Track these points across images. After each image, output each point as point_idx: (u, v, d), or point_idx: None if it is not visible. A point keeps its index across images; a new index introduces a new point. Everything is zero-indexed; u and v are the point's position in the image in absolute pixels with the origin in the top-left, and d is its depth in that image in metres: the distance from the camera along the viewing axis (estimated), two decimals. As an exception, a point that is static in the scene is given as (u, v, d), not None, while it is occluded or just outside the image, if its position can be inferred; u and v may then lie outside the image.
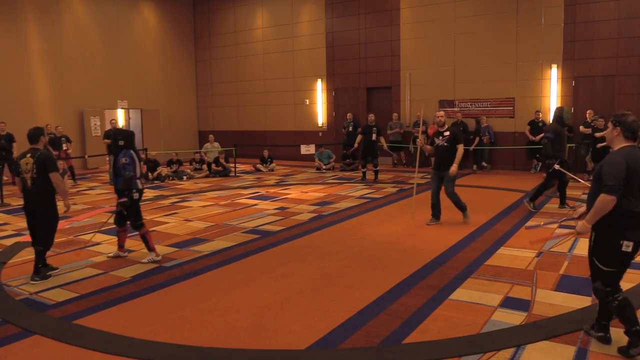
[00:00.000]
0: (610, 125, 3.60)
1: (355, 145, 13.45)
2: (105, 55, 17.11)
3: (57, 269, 5.58)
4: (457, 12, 14.34)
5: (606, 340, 3.63)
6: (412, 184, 11.33)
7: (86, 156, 15.01)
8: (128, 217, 5.98)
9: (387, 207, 9.05)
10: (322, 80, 17.05)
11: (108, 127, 13.60)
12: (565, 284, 4.85)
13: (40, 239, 5.34)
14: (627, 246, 3.40)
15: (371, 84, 16.14)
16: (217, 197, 10.50)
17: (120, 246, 6.15)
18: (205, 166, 14.16)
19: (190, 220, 8.18)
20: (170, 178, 13.40)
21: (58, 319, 4.32)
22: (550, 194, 9.90)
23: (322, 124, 17.22)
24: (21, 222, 8.19)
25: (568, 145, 12.18)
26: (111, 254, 6.16)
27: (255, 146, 17.43)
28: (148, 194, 11.16)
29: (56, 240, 6.94)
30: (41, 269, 5.34)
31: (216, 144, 14.94)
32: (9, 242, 6.95)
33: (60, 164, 12.06)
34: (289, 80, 17.81)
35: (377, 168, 12.54)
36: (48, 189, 5.29)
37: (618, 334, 3.76)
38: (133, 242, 6.79)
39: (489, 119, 14.06)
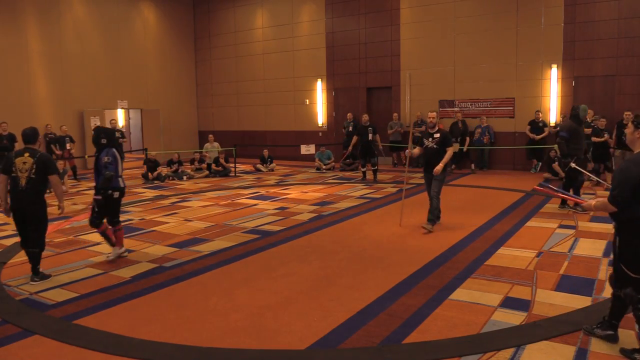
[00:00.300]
0: (631, 126, 3.58)
1: (350, 148, 13.49)
2: (105, 55, 17.10)
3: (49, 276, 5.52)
4: (457, 12, 14.34)
5: (614, 339, 3.61)
6: (412, 184, 11.35)
7: (86, 156, 15.00)
8: (106, 214, 5.95)
9: (387, 207, 9.05)
10: (322, 80, 17.05)
11: (108, 127, 13.60)
12: (565, 284, 4.85)
13: (34, 240, 5.29)
14: None
15: (371, 84, 16.13)
16: (217, 197, 10.50)
17: (112, 244, 6.09)
18: (205, 166, 14.17)
19: (190, 220, 8.18)
20: (170, 178, 13.40)
21: (58, 319, 4.32)
22: (550, 194, 9.91)
23: (322, 124, 17.22)
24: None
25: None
26: (110, 255, 6.10)
27: (255, 146, 17.43)
28: (148, 194, 11.17)
29: (56, 240, 6.96)
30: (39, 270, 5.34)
31: (216, 144, 14.94)
32: (9, 242, 6.95)
33: (60, 164, 12.08)
34: (289, 80, 17.81)
35: (376, 167, 12.57)
36: (40, 188, 5.28)
37: (619, 334, 3.76)
38: (133, 242, 6.79)
39: (489, 119, 14.06)
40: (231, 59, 19.28)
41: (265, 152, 15.35)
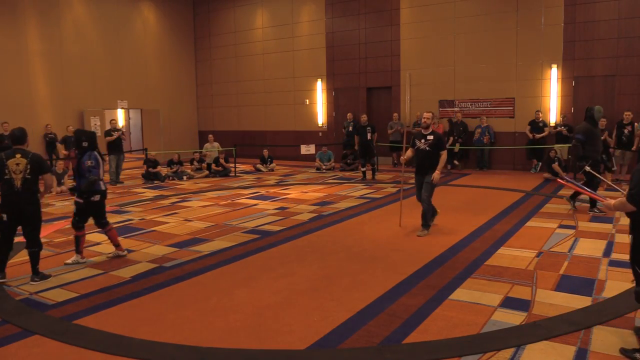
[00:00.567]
0: None
1: (356, 147, 13.54)
2: (105, 56, 17.10)
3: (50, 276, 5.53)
4: (457, 12, 14.34)
5: None
6: (411, 184, 11.35)
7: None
8: (92, 217, 5.95)
9: (387, 207, 9.05)
10: (322, 80, 17.05)
11: (108, 127, 13.60)
12: (565, 284, 4.85)
13: (34, 240, 5.31)
14: None
15: (371, 84, 16.14)
16: (217, 197, 10.50)
17: (117, 245, 6.14)
18: (205, 166, 14.17)
19: (190, 220, 8.18)
20: (170, 178, 13.41)
21: (58, 319, 4.32)
22: (550, 194, 9.92)
23: (322, 124, 17.22)
24: (21, 222, 8.19)
25: (568, 145, 12.27)
26: (111, 255, 6.16)
27: (255, 146, 17.43)
28: (148, 194, 11.17)
29: (56, 240, 6.96)
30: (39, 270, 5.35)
31: (216, 144, 14.94)
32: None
33: (60, 164, 12.08)
34: (289, 80, 17.81)
35: (375, 167, 12.63)
36: (35, 188, 5.31)
37: (619, 334, 3.76)
38: (133, 242, 6.79)
39: (489, 119, 14.06)
40: (231, 59, 19.28)
41: (265, 152, 15.35)
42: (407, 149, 7.40)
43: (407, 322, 4.09)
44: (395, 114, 15.17)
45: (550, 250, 6.04)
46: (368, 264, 5.67)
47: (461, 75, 14.45)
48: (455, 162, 14.04)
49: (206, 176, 13.81)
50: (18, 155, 5.23)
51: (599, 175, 7.51)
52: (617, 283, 4.84)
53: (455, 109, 14.53)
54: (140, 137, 20.32)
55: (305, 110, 17.54)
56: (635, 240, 3.47)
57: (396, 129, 14.89)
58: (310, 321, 4.16)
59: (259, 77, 18.55)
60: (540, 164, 13.18)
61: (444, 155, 6.81)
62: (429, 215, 6.94)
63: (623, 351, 3.47)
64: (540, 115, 13.13)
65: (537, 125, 13.05)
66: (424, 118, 6.92)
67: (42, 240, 6.06)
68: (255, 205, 9.48)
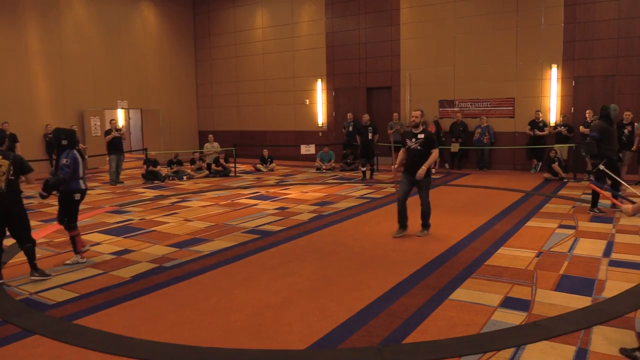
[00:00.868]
0: None
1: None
2: (105, 55, 17.10)
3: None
4: (457, 12, 14.34)
5: None
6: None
7: (86, 156, 15.00)
8: (65, 215, 5.92)
9: (387, 207, 9.04)
10: (322, 80, 17.05)
11: (108, 127, 13.61)
12: (565, 284, 4.85)
13: (26, 236, 5.35)
14: None
15: (371, 84, 16.14)
16: (217, 197, 10.50)
17: (76, 252, 6.01)
18: (205, 166, 14.18)
19: (190, 220, 8.18)
20: (170, 178, 13.41)
21: (58, 319, 4.32)
22: (550, 194, 9.92)
23: (322, 124, 17.23)
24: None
25: (568, 145, 12.28)
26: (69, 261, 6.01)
27: (255, 146, 17.43)
28: (148, 194, 11.17)
29: (56, 240, 6.96)
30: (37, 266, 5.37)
31: (216, 144, 14.94)
32: (8, 242, 6.93)
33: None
34: (289, 80, 17.82)
35: (374, 166, 12.68)
36: (18, 188, 5.36)
37: (619, 333, 3.76)
38: (133, 242, 6.80)
39: (489, 119, 14.06)
40: (231, 59, 19.28)
41: (265, 152, 15.35)
42: (398, 149, 7.24)
43: (407, 322, 4.09)
44: (395, 114, 15.17)
45: (550, 250, 6.04)
46: (368, 264, 5.67)
47: (461, 75, 14.45)
48: (447, 165, 14.10)
49: (206, 176, 13.81)
50: (0, 157, 5.26)
51: (612, 174, 7.47)
52: (617, 283, 4.84)
53: (455, 109, 14.53)
54: (140, 137, 20.34)
55: (305, 110, 17.54)
56: None
57: (396, 129, 14.89)
58: (310, 321, 4.16)
59: (259, 77, 18.55)
60: (540, 164, 13.18)
61: (435, 153, 6.68)
62: (428, 216, 6.93)
63: (623, 351, 3.47)
64: (540, 115, 13.14)
65: (537, 125, 13.06)
66: (413, 117, 6.80)
67: (43, 240, 6.08)
68: (255, 205, 9.48)
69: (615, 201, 4.43)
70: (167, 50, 19.26)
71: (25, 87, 14.95)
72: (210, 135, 15.54)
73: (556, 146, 12.30)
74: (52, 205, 9.55)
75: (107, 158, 12.94)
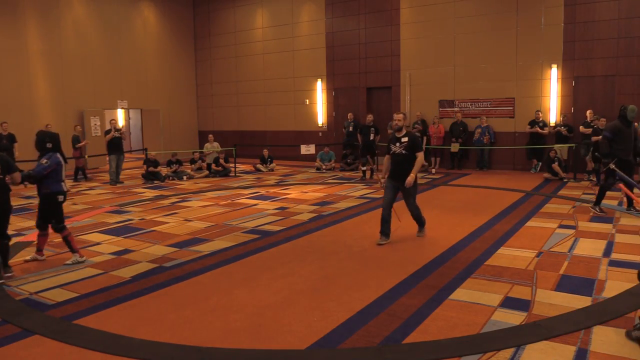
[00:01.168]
0: None
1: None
2: (105, 55, 17.11)
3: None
4: (457, 12, 14.34)
5: None
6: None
7: (86, 156, 15.01)
8: (51, 218, 5.90)
9: (387, 207, 9.04)
10: (322, 80, 17.05)
11: (108, 127, 13.62)
12: (565, 284, 4.85)
13: (5, 232, 5.42)
14: None
15: (371, 84, 16.14)
16: (217, 197, 10.50)
17: (39, 250, 6.04)
18: (205, 166, 14.18)
19: (190, 220, 8.18)
20: (170, 178, 13.41)
21: (58, 319, 4.32)
22: (550, 194, 9.92)
23: (322, 124, 17.23)
24: (21, 222, 8.20)
25: (568, 145, 12.27)
26: (29, 258, 6.03)
27: (255, 146, 17.43)
28: (148, 194, 11.17)
29: (56, 240, 6.96)
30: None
31: (216, 144, 14.94)
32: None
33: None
34: (289, 80, 17.81)
35: (373, 166, 12.69)
36: (5, 185, 5.41)
37: (619, 334, 3.76)
38: (133, 242, 6.80)
39: (489, 119, 14.06)
40: (231, 59, 19.28)
41: (265, 152, 15.35)
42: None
43: (407, 322, 4.09)
44: (405, 115, 15.13)
45: (550, 250, 6.04)
46: (368, 264, 5.67)
47: (461, 75, 14.45)
48: (433, 170, 14.10)
49: (206, 176, 13.81)
50: None
51: (623, 174, 7.45)
52: (617, 283, 4.84)
53: (455, 109, 14.53)
54: (140, 137, 20.34)
55: (305, 110, 17.54)
56: None
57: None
58: (310, 321, 4.16)
59: (259, 77, 18.55)
60: (540, 164, 13.18)
61: (420, 156, 6.41)
62: (420, 216, 6.72)
63: (628, 334, 3.48)
64: (540, 115, 13.14)
65: (537, 125, 13.07)
66: (395, 120, 6.50)
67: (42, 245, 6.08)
68: (255, 205, 9.48)
69: (634, 197, 4.41)
70: (167, 50, 19.26)
71: (25, 87, 14.96)
72: (210, 135, 15.54)
73: (556, 146, 12.31)
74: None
75: (107, 158, 12.93)
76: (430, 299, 4.57)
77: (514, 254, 5.88)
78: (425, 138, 14.43)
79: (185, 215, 8.57)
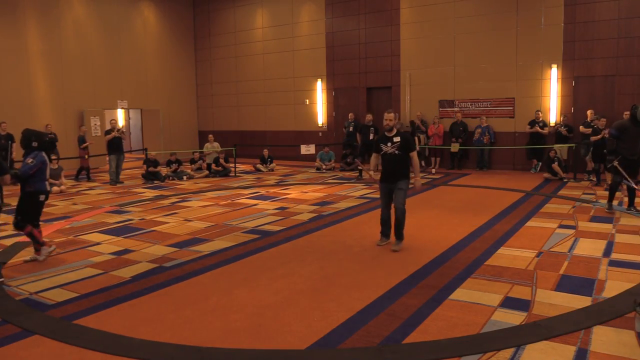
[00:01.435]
0: None
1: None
2: (105, 55, 17.11)
3: None
4: (457, 12, 14.35)
5: None
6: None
7: (86, 156, 15.01)
8: (31, 217, 5.90)
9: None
10: (322, 80, 17.05)
11: (108, 127, 13.61)
12: (565, 284, 4.85)
13: None
14: None
15: (371, 84, 16.14)
16: (217, 197, 10.50)
17: (42, 243, 6.03)
18: (205, 166, 14.17)
19: (190, 220, 8.18)
20: (170, 178, 13.41)
21: (58, 319, 4.32)
22: (550, 194, 9.92)
23: (322, 124, 17.23)
24: (21, 222, 8.18)
25: (568, 145, 12.28)
26: (28, 258, 6.01)
27: (255, 146, 17.43)
28: (148, 194, 11.17)
29: (56, 240, 6.96)
30: None
31: (216, 144, 14.94)
32: (9, 242, 6.95)
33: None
34: (289, 80, 17.82)
35: (363, 166, 12.77)
36: None
37: (619, 334, 3.76)
38: (133, 242, 6.80)
39: (489, 119, 14.07)
40: (231, 59, 19.28)
41: (265, 152, 15.35)
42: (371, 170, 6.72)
43: (407, 322, 4.09)
44: (396, 114, 15.16)
45: (550, 250, 6.04)
46: (368, 264, 5.67)
47: (461, 75, 14.46)
48: (433, 170, 14.12)
49: (206, 176, 13.81)
50: None
51: (624, 173, 7.43)
52: (617, 283, 4.84)
53: (455, 109, 14.54)
54: (140, 137, 20.35)
55: (305, 110, 17.54)
56: None
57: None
58: (310, 321, 4.16)
59: (259, 77, 18.56)
60: (540, 164, 13.18)
61: (415, 157, 6.22)
62: (402, 225, 6.23)
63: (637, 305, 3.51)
64: (540, 115, 13.14)
65: (537, 125, 13.06)
66: (386, 120, 6.22)
67: (43, 239, 6.08)
68: (255, 205, 9.48)
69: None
70: (167, 50, 19.26)
71: (25, 87, 14.95)
72: (210, 135, 15.54)
73: (556, 146, 12.31)
74: (53, 205, 9.56)
75: (107, 158, 12.93)
76: (430, 299, 4.57)
77: (514, 254, 5.88)
78: (423, 137, 14.46)
79: (185, 215, 8.57)
